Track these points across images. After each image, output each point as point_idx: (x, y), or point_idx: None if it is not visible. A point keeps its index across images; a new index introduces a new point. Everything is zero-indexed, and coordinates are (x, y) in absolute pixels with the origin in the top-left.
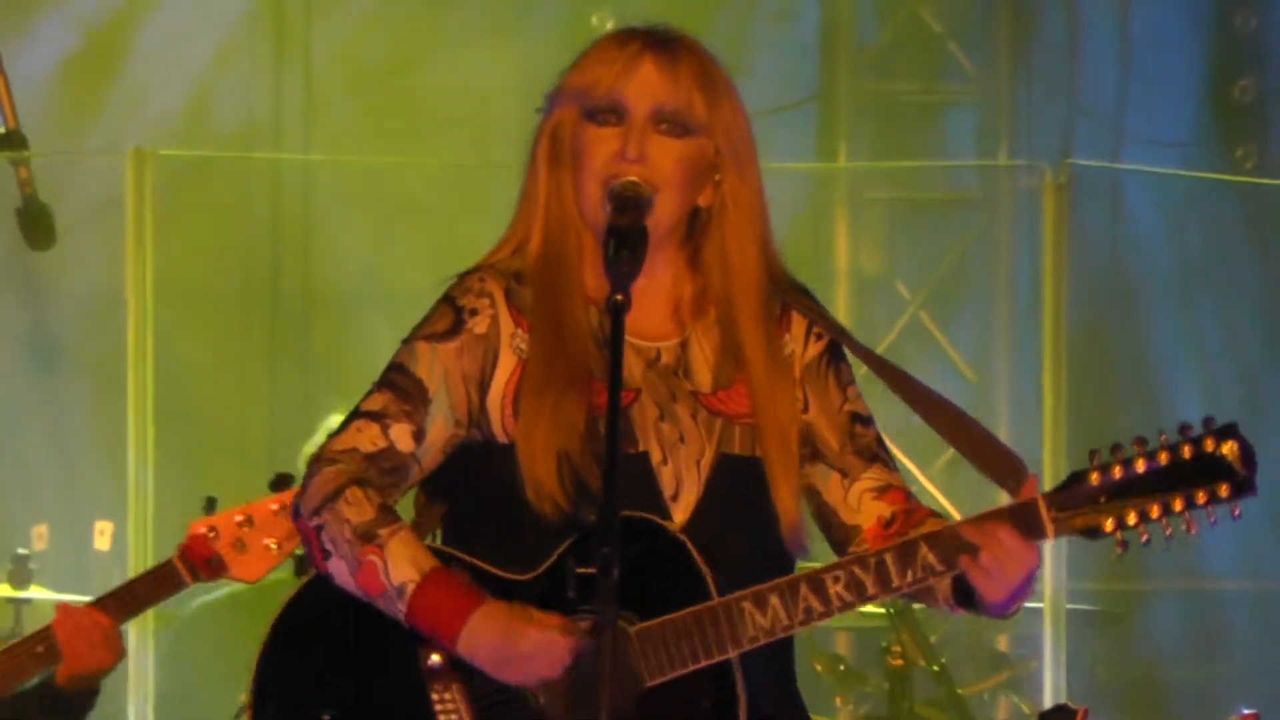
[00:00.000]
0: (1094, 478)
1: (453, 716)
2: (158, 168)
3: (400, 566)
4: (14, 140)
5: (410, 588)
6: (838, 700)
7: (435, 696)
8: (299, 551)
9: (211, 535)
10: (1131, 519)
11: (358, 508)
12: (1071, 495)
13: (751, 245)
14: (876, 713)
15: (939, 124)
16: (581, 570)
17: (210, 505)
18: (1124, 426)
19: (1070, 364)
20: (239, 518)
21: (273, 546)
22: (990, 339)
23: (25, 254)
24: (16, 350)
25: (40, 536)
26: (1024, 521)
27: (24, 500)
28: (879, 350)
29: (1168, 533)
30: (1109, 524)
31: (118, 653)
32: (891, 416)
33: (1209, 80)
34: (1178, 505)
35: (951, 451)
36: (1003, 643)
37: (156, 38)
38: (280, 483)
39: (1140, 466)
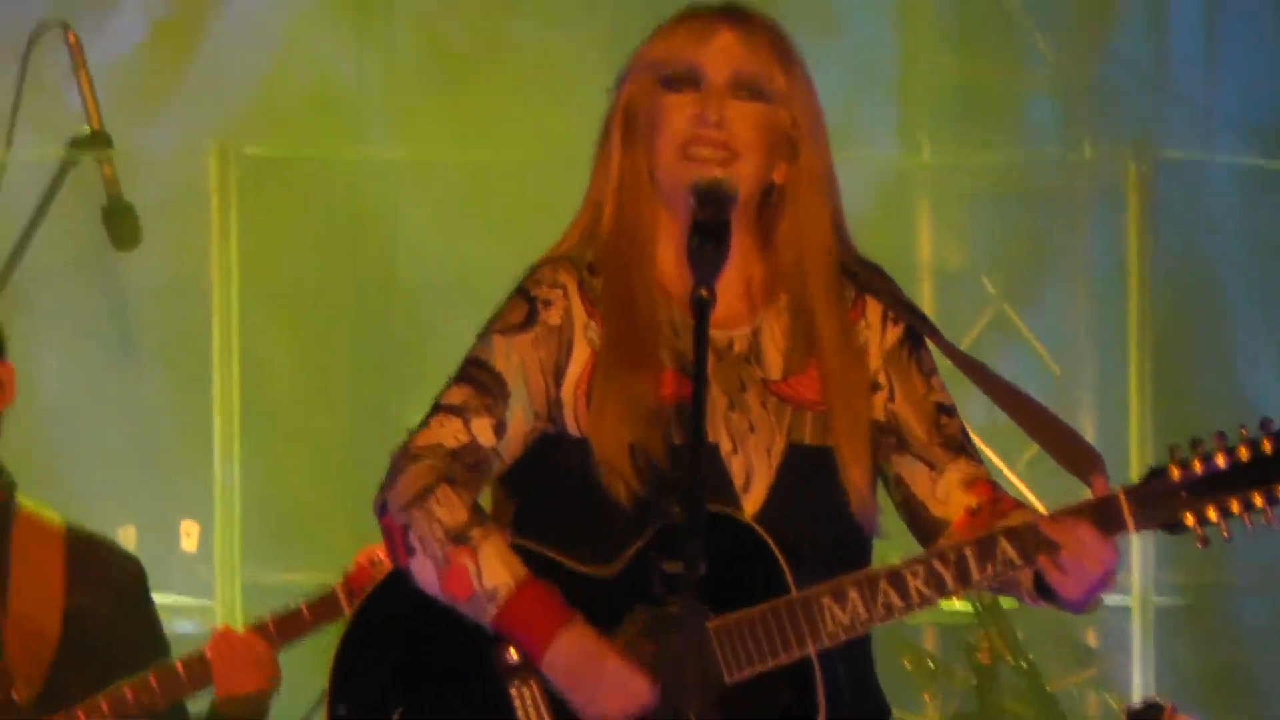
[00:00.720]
0: (1175, 473)
1: (531, 713)
2: (240, 165)
3: (494, 571)
4: (98, 140)
5: (504, 593)
6: (925, 696)
7: (514, 693)
8: None
9: (376, 566)
10: (1212, 514)
11: (449, 507)
12: (1152, 490)
13: (825, 222)
14: (965, 709)
15: (1019, 111)
16: (668, 567)
17: None
18: (1208, 417)
19: (1154, 355)
20: None
21: None
22: (1074, 331)
23: (110, 253)
24: (102, 350)
25: (127, 537)
26: (1104, 517)
27: (111, 501)
28: (964, 345)
29: (1249, 527)
30: (1189, 518)
31: (271, 678)
32: (974, 411)
33: None
34: (1258, 500)
35: (1036, 448)
36: (1091, 638)
37: (232, 27)
38: None
39: (1221, 461)
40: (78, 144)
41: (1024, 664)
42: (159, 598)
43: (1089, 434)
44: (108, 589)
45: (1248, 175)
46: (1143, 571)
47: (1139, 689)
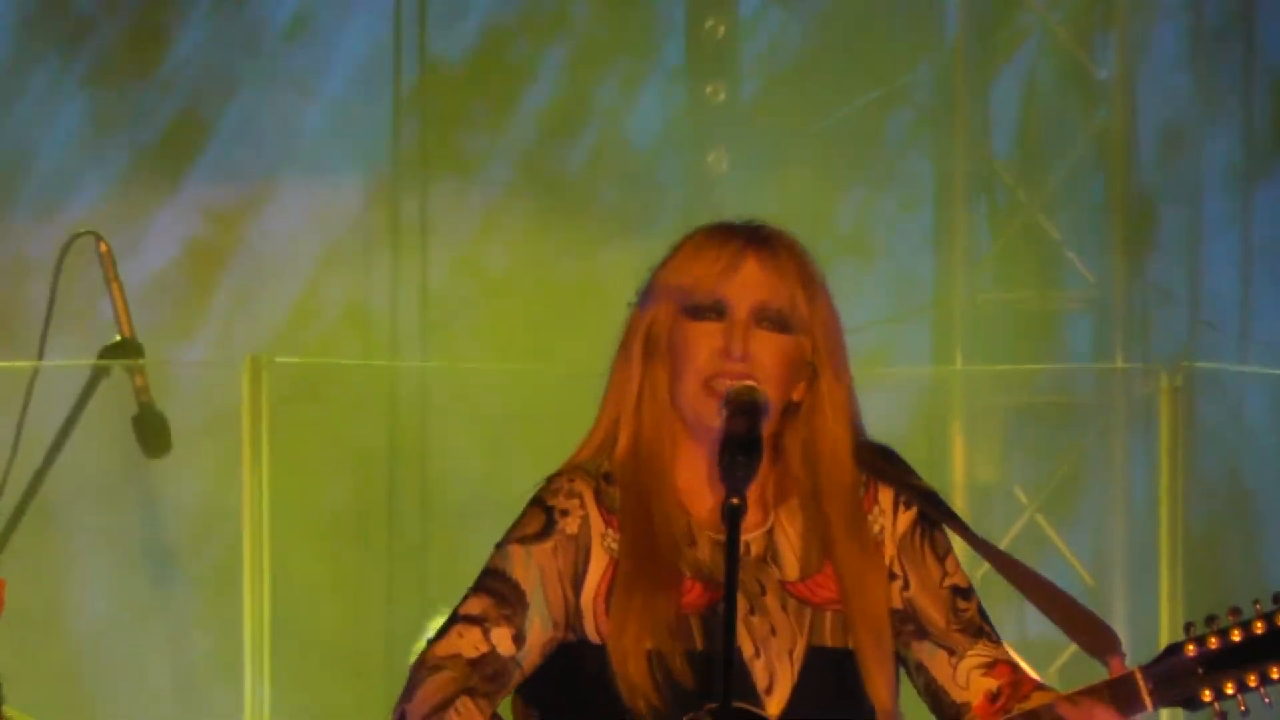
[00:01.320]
0: (1190, 649)
1: None
2: (273, 375)
3: None
4: (129, 348)
5: None
6: None
7: None
8: None
9: None
10: (1229, 689)
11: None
12: (1169, 667)
13: (844, 447)
14: None
15: (1055, 331)
16: None
17: None
18: None
19: (1187, 570)
20: None
21: None
22: (1108, 543)
23: (141, 462)
24: (132, 560)
25: None
26: (1122, 696)
27: (140, 714)
28: None
29: (1266, 701)
30: (1207, 694)
31: None
32: (1003, 625)
33: None
34: (1275, 673)
35: (1067, 653)
36: None
37: (266, 243)
38: None
39: (1236, 636)
40: (109, 352)
41: None
42: None
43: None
44: None
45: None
46: None
47: None
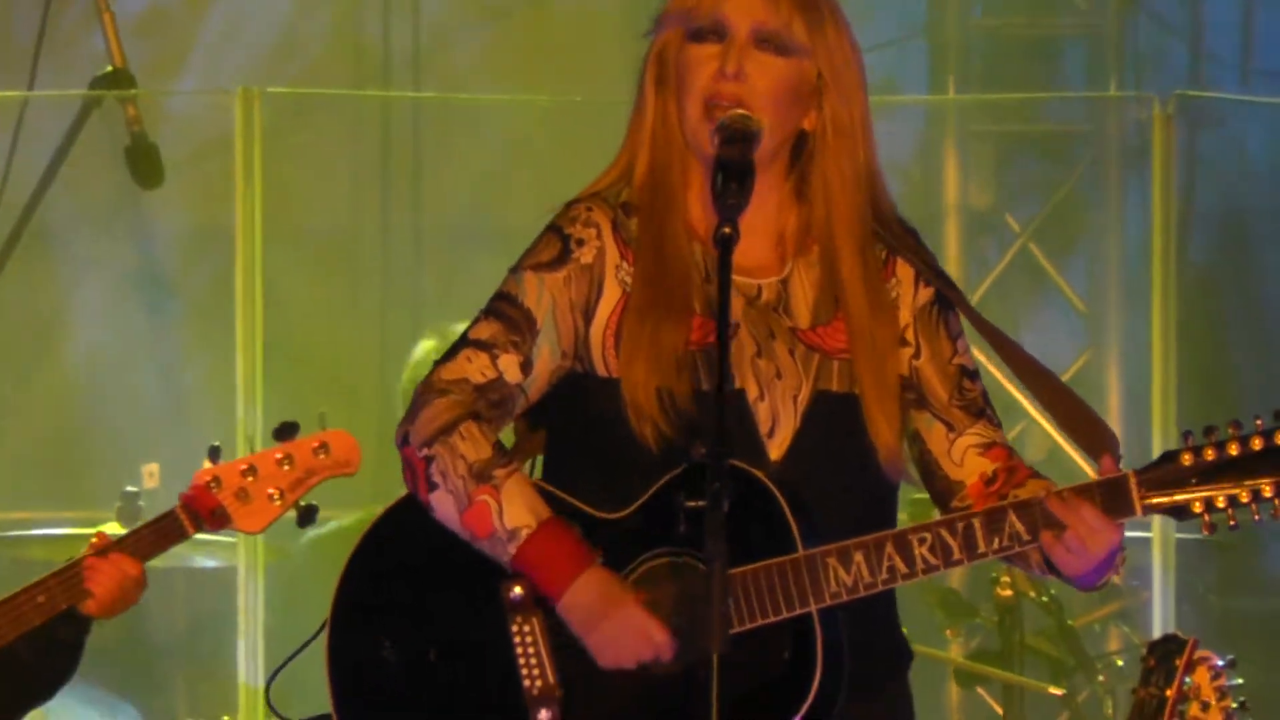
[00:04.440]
0: (1186, 458)
1: (530, 649)
2: (266, 106)
3: (515, 510)
4: (121, 79)
5: (524, 533)
6: (948, 633)
7: (514, 628)
8: (303, 503)
9: (214, 485)
10: (1220, 502)
11: (473, 444)
12: (1162, 474)
13: (852, 172)
14: (987, 645)
15: (1049, 58)
16: (691, 504)
17: (214, 454)
18: (1235, 363)
19: (1183, 299)
20: (243, 467)
21: (276, 497)
22: (1102, 273)
23: (134, 192)
24: (126, 288)
25: (151, 475)
26: (1113, 498)
27: (135, 438)
28: (988, 282)
29: (1256, 518)
30: (1198, 505)
31: (143, 589)
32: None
33: None
34: (1267, 491)
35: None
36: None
37: None
38: (284, 431)
39: (1233, 450)
40: (100, 83)
41: (1046, 599)
42: None
43: (1113, 374)
44: None
45: (1276, 120)
46: None
47: (1160, 624)
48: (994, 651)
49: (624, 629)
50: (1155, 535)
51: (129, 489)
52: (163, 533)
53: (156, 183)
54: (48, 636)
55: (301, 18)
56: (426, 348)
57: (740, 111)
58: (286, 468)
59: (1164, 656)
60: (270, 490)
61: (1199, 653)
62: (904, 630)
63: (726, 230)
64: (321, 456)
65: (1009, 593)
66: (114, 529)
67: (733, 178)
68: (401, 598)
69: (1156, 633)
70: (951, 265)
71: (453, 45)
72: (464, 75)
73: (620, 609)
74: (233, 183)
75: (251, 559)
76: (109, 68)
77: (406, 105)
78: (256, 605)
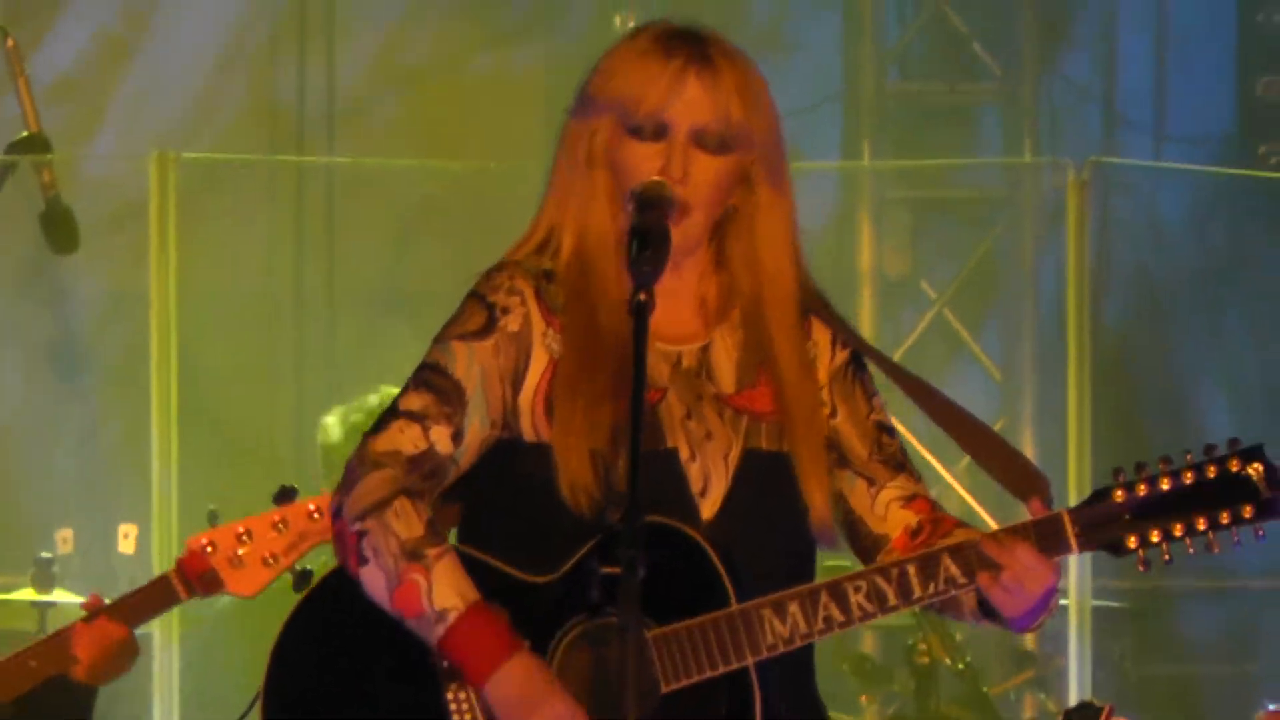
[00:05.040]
0: (1119, 495)
1: (466, 717)
2: (181, 170)
3: (444, 592)
4: (36, 143)
5: (452, 616)
6: (863, 699)
7: (450, 697)
8: (298, 567)
9: (209, 550)
10: (1155, 537)
11: (406, 521)
12: (1095, 512)
13: (785, 250)
14: (903, 712)
15: (964, 124)
16: (606, 570)
17: (213, 518)
18: (1149, 427)
19: (1097, 363)
20: (240, 530)
21: (270, 561)
22: (1017, 338)
23: (49, 257)
24: (41, 354)
25: (65, 540)
26: (1047, 537)
27: (48, 503)
28: (904, 348)
29: (1190, 551)
30: (1132, 541)
31: (135, 655)
32: (916, 416)
33: (1235, 77)
34: (1201, 525)
35: None
36: (1029, 640)
37: (173, 37)
38: (283, 495)
39: (1165, 485)
40: (16, 148)
41: (962, 666)
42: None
43: (1028, 439)
44: None
45: (1190, 184)
46: (1080, 574)
47: (1077, 691)
48: (910, 718)
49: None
50: (1071, 602)
51: (43, 555)
52: (154, 597)
53: (72, 248)
54: (53, 711)
55: (216, 82)
56: (374, 401)
57: (656, 179)
58: (281, 531)
59: None
60: (265, 554)
61: (1115, 718)
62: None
63: (641, 297)
64: (316, 520)
65: (925, 659)
66: (28, 595)
67: (648, 245)
68: (336, 665)
69: (1072, 700)
70: (866, 332)
71: (367, 110)
72: (378, 140)
73: (545, 704)
74: (148, 247)
75: (167, 626)
76: (24, 132)
77: (321, 169)
78: (171, 672)
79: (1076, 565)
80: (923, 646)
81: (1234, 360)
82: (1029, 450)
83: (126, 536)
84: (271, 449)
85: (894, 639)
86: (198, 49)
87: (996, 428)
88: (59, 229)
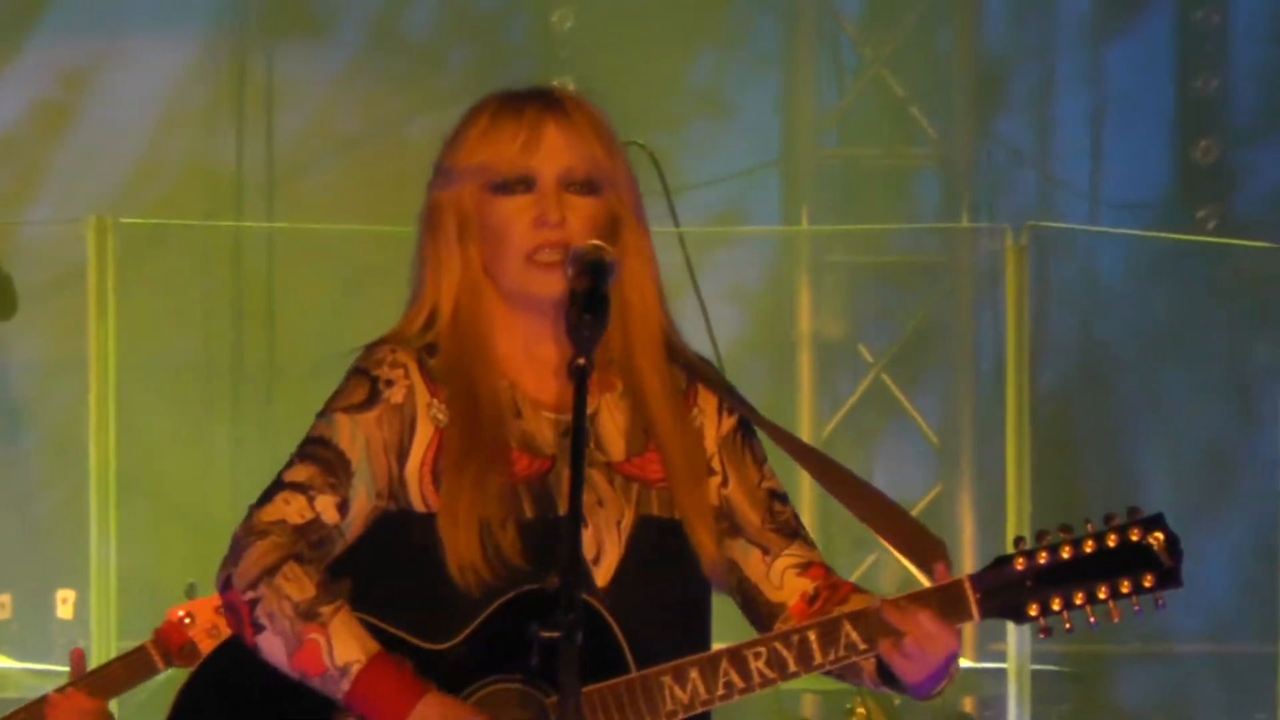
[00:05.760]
0: (1019, 562)
1: None
2: (119, 236)
3: (345, 647)
4: None
5: (355, 669)
6: None
7: None
8: None
9: (187, 621)
10: (1056, 604)
11: (298, 584)
12: (996, 578)
13: (652, 293)
14: None
15: (902, 189)
16: (546, 635)
17: (191, 591)
18: (1088, 492)
19: (1036, 427)
20: (218, 603)
21: None
22: (955, 403)
23: None
24: None
25: (2, 605)
26: (948, 603)
27: None
28: (841, 412)
29: (1091, 620)
30: (1033, 609)
31: None
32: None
33: (1172, 141)
34: (1102, 593)
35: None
36: (968, 704)
37: (110, 102)
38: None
39: (1066, 553)
40: None
41: None
42: (35, 665)
43: (966, 504)
44: None
45: (1128, 248)
46: (1020, 637)
47: None
48: None
49: None
50: (1010, 666)
51: None
52: (132, 668)
53: (10, 313)
54: None
55: (155, 146)
56: None
57: (595, 243)
58: None
59: None
60: None
61: None
62: None
63: (580, 361)
64: None
65: None
66: None
67: (587, 309)
68: None
69: None
70: (804, 397)
71: (306, 174)
72: (317, 205)
73: None
74: (87, 313)
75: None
76: None
77: (260, 234)
78: None
79: (1015, 629)
80: (861, 710)
81: (1173, 424)
82: (967, 518)
83: (65, 601)
84: (208, 516)
85: (833, 701)
86: (136, 114)
87: (933, 495)
88: None
